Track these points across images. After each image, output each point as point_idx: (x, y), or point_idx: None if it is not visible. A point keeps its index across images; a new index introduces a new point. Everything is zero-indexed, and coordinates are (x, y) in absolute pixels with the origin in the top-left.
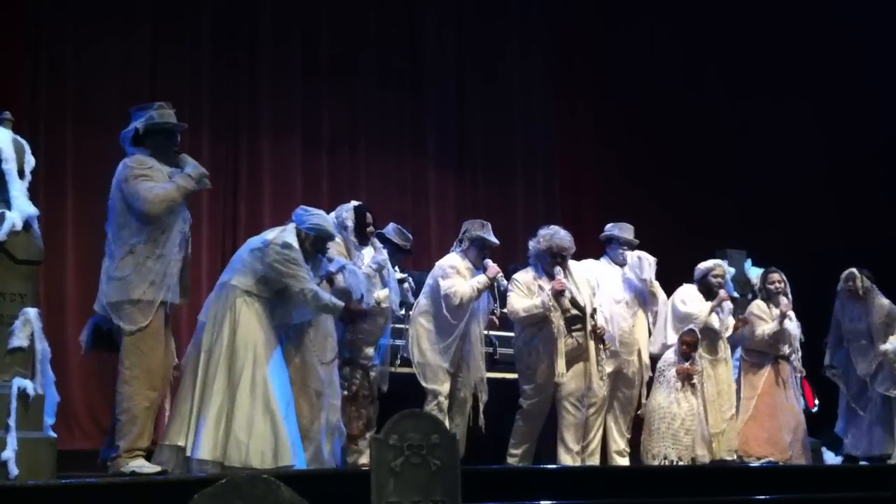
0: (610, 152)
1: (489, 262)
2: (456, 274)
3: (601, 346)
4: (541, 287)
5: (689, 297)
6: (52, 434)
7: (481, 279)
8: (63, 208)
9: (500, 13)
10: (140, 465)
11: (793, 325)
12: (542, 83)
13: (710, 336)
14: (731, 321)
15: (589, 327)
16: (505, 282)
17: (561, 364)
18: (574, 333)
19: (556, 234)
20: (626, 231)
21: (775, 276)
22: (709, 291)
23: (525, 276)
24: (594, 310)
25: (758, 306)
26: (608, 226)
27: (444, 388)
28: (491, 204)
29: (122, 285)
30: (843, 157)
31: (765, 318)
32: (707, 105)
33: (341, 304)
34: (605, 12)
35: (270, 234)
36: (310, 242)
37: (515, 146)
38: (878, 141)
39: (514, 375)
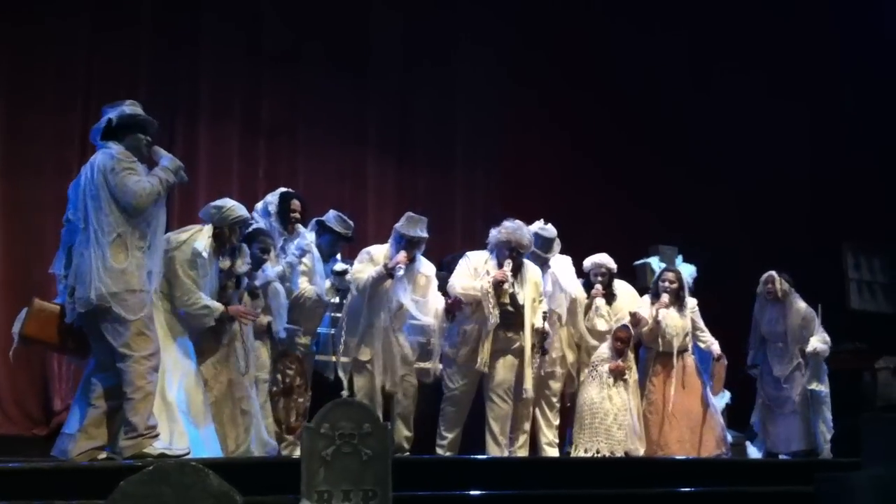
0: (553, 145)
1: (401, 253)
2: (368, 260)
3: (539, 349)
4: (488, 272)
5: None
6: None
7: (378, 268)
8: None
9: (447, 2)
10: (166, 447)
11: (679, 319)
12: (488, 74)
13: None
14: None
15: (527, 327)
16: (400, 272)
17: (485, 353)
18: (508, 331)
19: (518, 230)
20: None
21: (669, 276)
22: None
23: (478, 256)
24: (545, 313)
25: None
26: None
27: (358, 380)
28: (431, 194)
29: (123, 276)
30: (827, 161)
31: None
32: (660, 99)
33: (219, 306)
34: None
35: (183, 235)
36: (233, 234)
37: (457, 137)
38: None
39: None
